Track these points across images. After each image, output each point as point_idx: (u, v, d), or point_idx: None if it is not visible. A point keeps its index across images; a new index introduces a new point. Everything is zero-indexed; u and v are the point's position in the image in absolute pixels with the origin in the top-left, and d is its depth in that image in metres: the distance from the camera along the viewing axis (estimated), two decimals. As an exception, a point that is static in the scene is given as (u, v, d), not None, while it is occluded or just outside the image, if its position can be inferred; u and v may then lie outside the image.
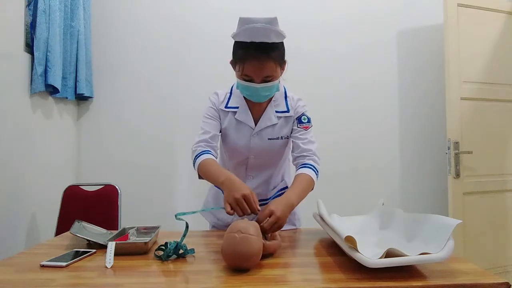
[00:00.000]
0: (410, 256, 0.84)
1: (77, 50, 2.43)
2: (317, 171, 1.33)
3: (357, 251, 0.88)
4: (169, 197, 2.63)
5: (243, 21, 1.20)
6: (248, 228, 0.94)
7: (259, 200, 1.45)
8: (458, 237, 2.17)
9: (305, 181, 1.28)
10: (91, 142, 2.66)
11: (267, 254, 1.02)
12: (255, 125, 1.38)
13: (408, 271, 0.87)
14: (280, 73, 1.31)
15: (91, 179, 2.40)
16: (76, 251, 1.10)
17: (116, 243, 1.06)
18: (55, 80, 2.15)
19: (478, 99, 2.40)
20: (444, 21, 2.33)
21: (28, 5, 2.05)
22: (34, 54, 2.04)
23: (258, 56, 1.20)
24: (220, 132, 1.42)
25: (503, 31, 2.47)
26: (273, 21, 1.19)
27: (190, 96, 2.64)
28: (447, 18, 2.32)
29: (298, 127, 1.39)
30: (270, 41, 1.20)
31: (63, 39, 2.28)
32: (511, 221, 2.47)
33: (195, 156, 1.32)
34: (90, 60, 2.58)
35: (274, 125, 1.38)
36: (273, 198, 1.46)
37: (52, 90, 2.23)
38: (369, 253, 0.87)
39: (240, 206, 1.10)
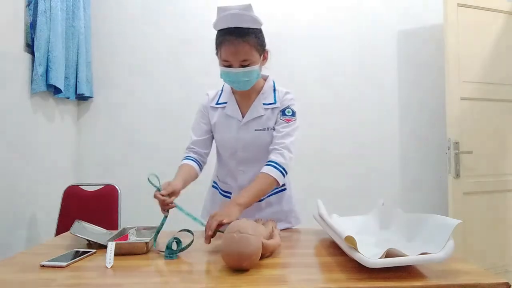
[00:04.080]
0: (410, 256, 0.84)
1: (78, 50, 2.44)
2: (282, 167, 1.32)
3: (357, 251, 0.88)
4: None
5: (220, 10, 1.27)
6: (246, 228, 0.94)
7: None
8: (458, 237, 2.17)
9: (262, 181, 1.30)
10: (91, 142, 2.66)
11: (267, 253, 1.02)
12: (243, 117, 1.41)
13: (408, 271, 0.87)
14: (261, 61, 1.34)
15: (91, 179, 2.40)
16: (76, 251, 1.10)
17: (116, 243, 1.06)
18: (57, 80, 2.16)
19: (478, 99, 2.40)
20: (444, 21, 2.33)
21: (28, 5, 2.05)
22: (35, 54, 2.04)
23: (233, 40, 1.26)
24: (211, 132, 1.48)
25: (503, 31, 2.47)
26: (247, 7, 1.25)
27: (190, 95, 2.63)
28: (447, 18, 2.32)
29: (280, 119, 1.40)
30: (245, 26, 1.26)
31: (64, 39, 2.29)
32: (511, 221, 2.47)
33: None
34: (90, 60, 2.58)
35: (261, 116, 1.40)
36: (269, 196, 1.46)
37: (54, 90, 2.24)
38: (369, 253, 0.87)
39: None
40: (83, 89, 2.47)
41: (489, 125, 2.43)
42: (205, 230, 1.13)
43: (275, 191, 1.48)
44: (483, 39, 2.43)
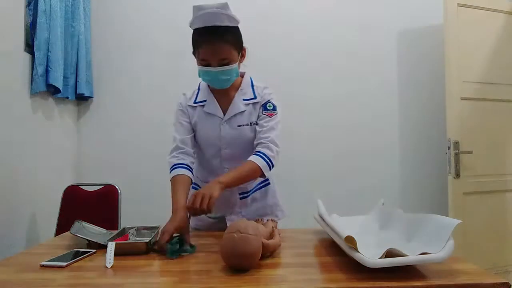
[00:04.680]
0: (410, 256, 0.84)
1: (78, 50, 2.44)
2: (269, 159, 1.32)
3: (357, 251, 0.88)
4: (169, 197, 2.62)
5: (196, 9, 1.27)
6: (247, 228, 0.94)
7: (240, 193, 1.46)
8: (458, 237, 2.15)
9: (247, 167, 1.29)
10: (91, 142, 2.66)
11: (267, 253, 1.02)
12: (224, 114, 1.40)
13: (408, 271, 0.87)
14: (239, 58, 1.34)
15: (91, 179, 2.40)
16: (76, 251, 1.11)
17: (116, 243, 1.06)
18: (57, 80, 2.16)
19: (478, 99, 2.40)
20: (444, 21, 2.33)
21: (28, 5, 2.05)
22: (35, 54, 2.04)
23: (211, 39, 1.26)
24: (193, 131, 1.46)
25: (503, 31, 2.47)
26: (224, 6, 1.25)
27: (190, 96, 2.63)
28: (447, 18, 2.32)
29: (263, 113, 1.40)
30: (222, 25, 1.25)
31: (64, 39, 2.29)
32: (511, 221, 2.47)
33: (169, 170, 1.42)
34: (90, 60, 2.58)
35: (242, 112, 1.40)
36: (254, 192, 1.46)
37: (53, 90, 2.24)
38: (369, 253, 0.87)
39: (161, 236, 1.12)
40: (83, 89, 2.47)
41: (489, 125, 2.43)
42: (188, 209, 1.18)
43: (259, 185, 1.48)
44: (483, 39, 2.43)
